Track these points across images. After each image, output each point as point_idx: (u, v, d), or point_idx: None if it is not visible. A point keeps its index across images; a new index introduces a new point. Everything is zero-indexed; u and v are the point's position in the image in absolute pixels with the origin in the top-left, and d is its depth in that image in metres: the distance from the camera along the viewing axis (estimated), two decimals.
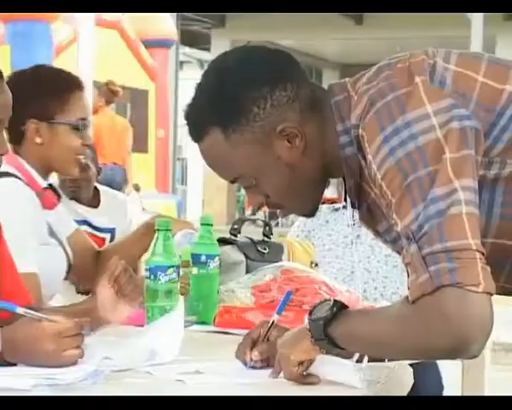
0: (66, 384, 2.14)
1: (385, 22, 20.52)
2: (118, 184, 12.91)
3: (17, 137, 3.26)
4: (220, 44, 21.73)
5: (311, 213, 2.37)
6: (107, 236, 5.41)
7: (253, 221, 4.80)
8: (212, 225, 3.20)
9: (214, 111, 2.23)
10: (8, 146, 2.87)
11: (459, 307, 1.89)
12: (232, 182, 2.36)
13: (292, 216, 6.07)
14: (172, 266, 2.76)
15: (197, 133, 2.27)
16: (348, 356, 2.22)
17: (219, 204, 18.69)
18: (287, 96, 2.21)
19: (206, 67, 2.36)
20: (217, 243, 3.26)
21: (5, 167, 2.99)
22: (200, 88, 2.29)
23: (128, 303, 2.74)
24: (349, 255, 4.35)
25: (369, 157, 2.09)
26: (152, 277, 2.74)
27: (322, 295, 2.89)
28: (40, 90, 3.32)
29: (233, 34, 20.91)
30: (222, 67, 2.30)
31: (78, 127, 3.32)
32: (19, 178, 3.15)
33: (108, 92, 13.22)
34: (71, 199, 5.44)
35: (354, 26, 21.37)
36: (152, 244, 2.82)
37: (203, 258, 3.11)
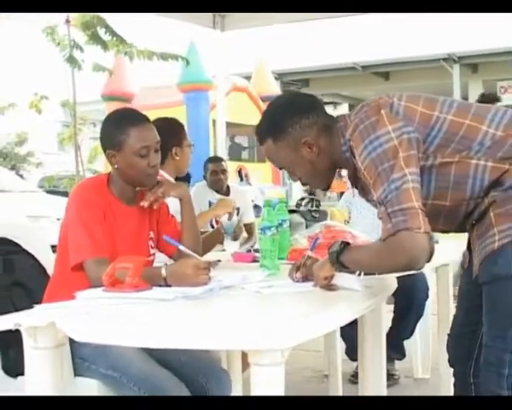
0: (193, 296, 2.14)
1: (401, 78, 20.27)
2: None
3: (163, 158, 3.25)
4: None
5: (326, 188, 2.42)
6: (235, 211, 5.43)
7: (311, 199, 4.85)
8: (285, 202, 3.21)
9: (269, 129, 2.32)
10: None
11: (409, 241, 1.97)
12: (280, 169, 2.42)
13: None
14: (273, 227, 2.74)
15: (260, 140, 2.36)
16: (352, 272, 2.24)
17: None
18: (308, 122, 2.26)
19: None
20: (287, 212, 3.21)
21: None
22: (263, 115, 2.37)
23: None
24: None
25: (357, 157, 2.14)
26: (262, 233, 2.74)
27: (347, 240, 2.87)
28: (177, 130, 3.41)
29: (313, 90, 20.70)
30: (276, 103, 2.38)
31: (189, 146, 3.44)
32: None
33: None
34: (216, 191, 5.51)
35: (384, 81, 21.15)
36: (262, 214, 2.81)
37: (279, 222, 3.04)
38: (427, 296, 4.08)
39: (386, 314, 4.20)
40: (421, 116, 2.12)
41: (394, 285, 2.50)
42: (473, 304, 2.24)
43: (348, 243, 2.22)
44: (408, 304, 4.03)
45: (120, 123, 2.58)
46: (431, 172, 2.11)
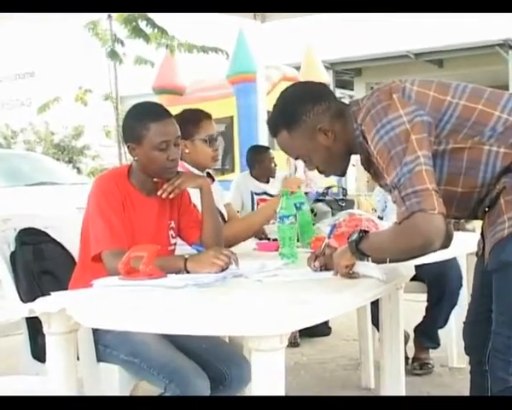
0: (204, 283, 2.16)
1: (455, 65, 19.93)
2: None
3: None
4: (359, 86, 21.45)
5: (342, 174, 2.39)
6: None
7: (338, 187, 4.82)
8: (306, 193, 3.21)
9: (282, 120, 2.29)
10: None
11: (424, 222, 1.95)
12: (296, 159, 2.41)
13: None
14: (292, 215, 2.75)
15: (273, 132, 2.34)
16: (375, 262, 2.25)
17: (362, 181, 18.42)
18: (322, 109, 2.24)
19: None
20: (306, 198, 3.22)
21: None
22: (275, 106, 2.34)
23: None
24: None
25: (369, 142, 2.13)
26: (281, 221, 2.75)
27: (370, 228, 2.87)
28: (183, 124, 3.25)
29: (366, 79, 20.62)
30: (286, 94, 2.34)
31: (207, 140, 3.28)
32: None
33: None
34: (257, 180, 5.55)
35: (437, 68, 20.80)
36: (280, 203, 2.80)
37: (298, 205, 3.05)
38: (461, 285, 4.02)
39: (420, 303, 4.21)
40: (433, 101, 2.10)
41: (409, 273, 2.48)
42: (486, 292, 2.22)
43: (367, 232, 2.22)
44: (441, 293, 4.00)
45: (141, 117, 2.61)
46: (443, 157, 2.09)
